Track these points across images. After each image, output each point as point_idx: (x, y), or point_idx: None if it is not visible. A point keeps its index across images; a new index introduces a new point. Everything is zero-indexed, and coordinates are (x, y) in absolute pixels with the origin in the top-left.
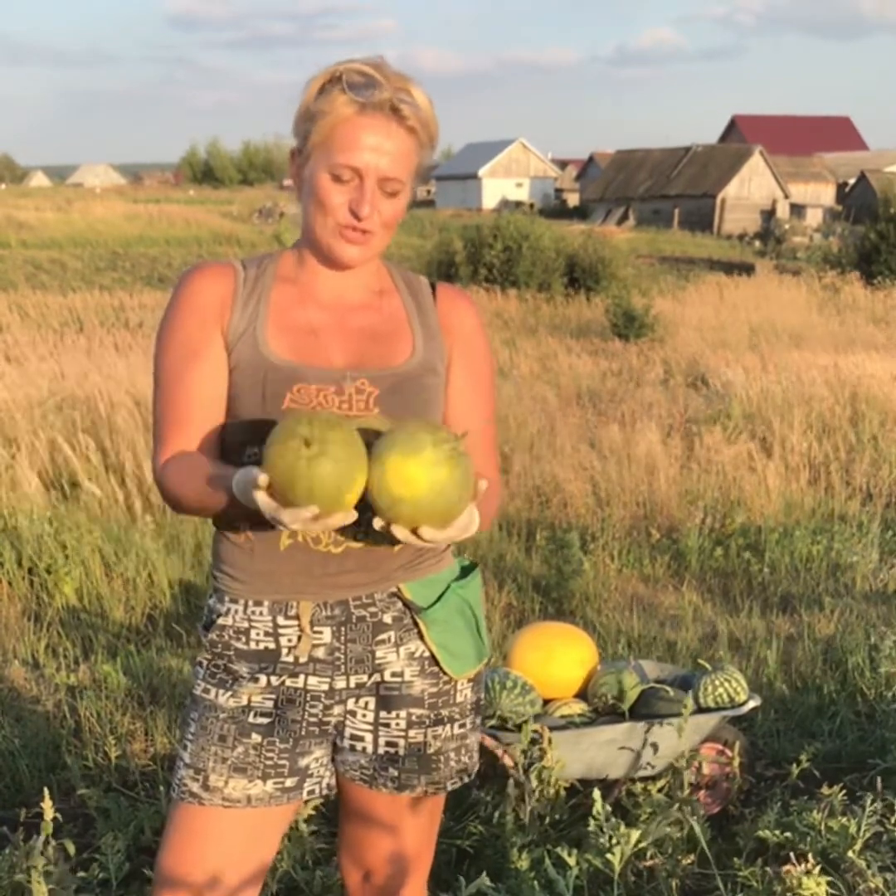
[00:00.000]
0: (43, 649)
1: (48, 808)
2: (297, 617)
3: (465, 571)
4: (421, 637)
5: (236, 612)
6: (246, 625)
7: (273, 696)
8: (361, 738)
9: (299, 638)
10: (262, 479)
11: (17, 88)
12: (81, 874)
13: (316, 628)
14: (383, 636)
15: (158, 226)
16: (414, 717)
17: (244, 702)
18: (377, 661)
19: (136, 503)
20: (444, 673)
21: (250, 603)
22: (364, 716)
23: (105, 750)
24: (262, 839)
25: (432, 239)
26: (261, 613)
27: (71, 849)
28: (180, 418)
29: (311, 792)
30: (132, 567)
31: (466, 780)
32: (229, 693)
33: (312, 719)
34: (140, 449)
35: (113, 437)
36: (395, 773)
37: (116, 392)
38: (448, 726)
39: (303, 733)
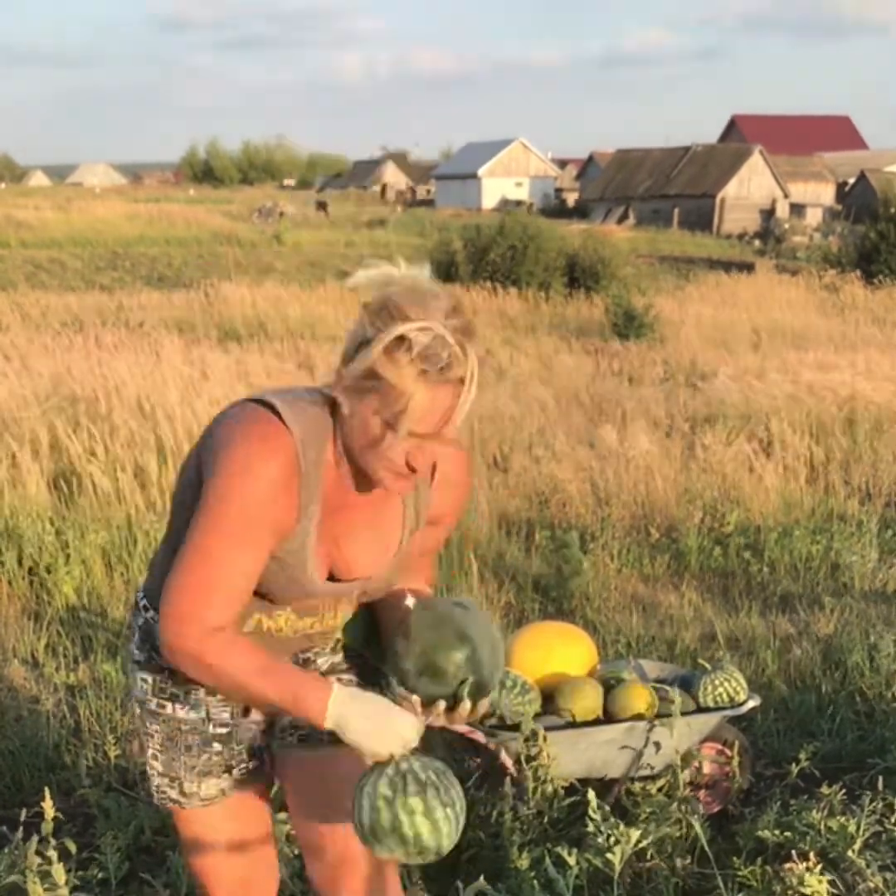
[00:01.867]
0: (43, 648)
1: (49, 807)
2: None
3: None
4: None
5: (193, 707)
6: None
7: (228, 707)
8: None
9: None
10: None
11: (17, 88)
12: (80, 873)
13: None
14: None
15: (158, 225)
16: (343, 679)
17: (203, 714)
18: (317, 664)
19: (137, 501)
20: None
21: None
22: None
23: (105, 749)
24: (256, 808)
25: (432, 238)
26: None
27: (72, 848)
28: (234, 592)
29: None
30: (135, 566)
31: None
32: (188, 706)
33: (267, 720)
34: (139, 448)
35: (113, 435)
36: None
37: (116, 391)
38: (382, 683)
39: (258, 739)
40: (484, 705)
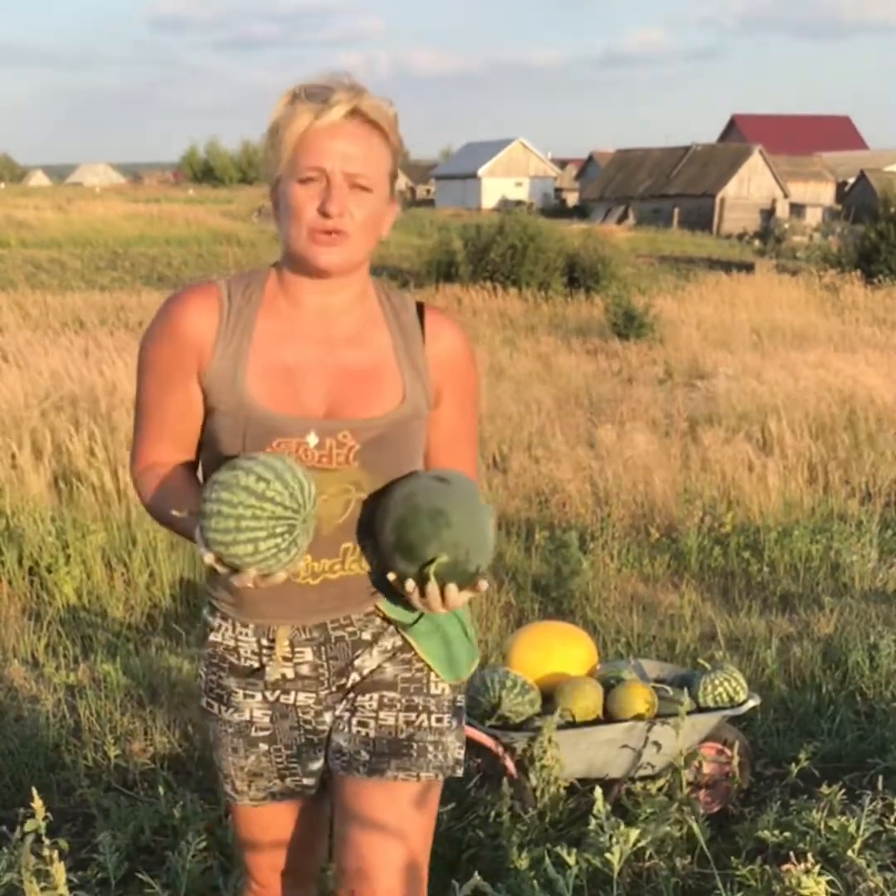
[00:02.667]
0: (43, 648)
1: (39, 807)
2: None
3: None
4: (400, 637)
5: (226, 629)
6: (234, 643)
7: (269, 712)
8: (341, 717)
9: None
10: (208, 558)
11: (17, 88)
12: (80, 873)
13: (297, 649)
14: (362, 651)
15: (158, 225)
16: (385, 700)
17: (247, 716)
18: (356, 666)
19: (137, 501)
20: (436, 675)
21: (238, 623)
22: (347, 707)
23: (104, 749)
24: (302, 816)
25: (432, 238)
26: (246, 635)
27: (64, 847)
28: (157, 436)
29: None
30: (135, 566)
31: (443, 775)
32: (232, 709)
33: (308, 727)
34: None
35: (113, 435)
36: (367, 757)
37: (116, 390)
38: (423, 716)
39: (302, 742)
40: (465, 592)
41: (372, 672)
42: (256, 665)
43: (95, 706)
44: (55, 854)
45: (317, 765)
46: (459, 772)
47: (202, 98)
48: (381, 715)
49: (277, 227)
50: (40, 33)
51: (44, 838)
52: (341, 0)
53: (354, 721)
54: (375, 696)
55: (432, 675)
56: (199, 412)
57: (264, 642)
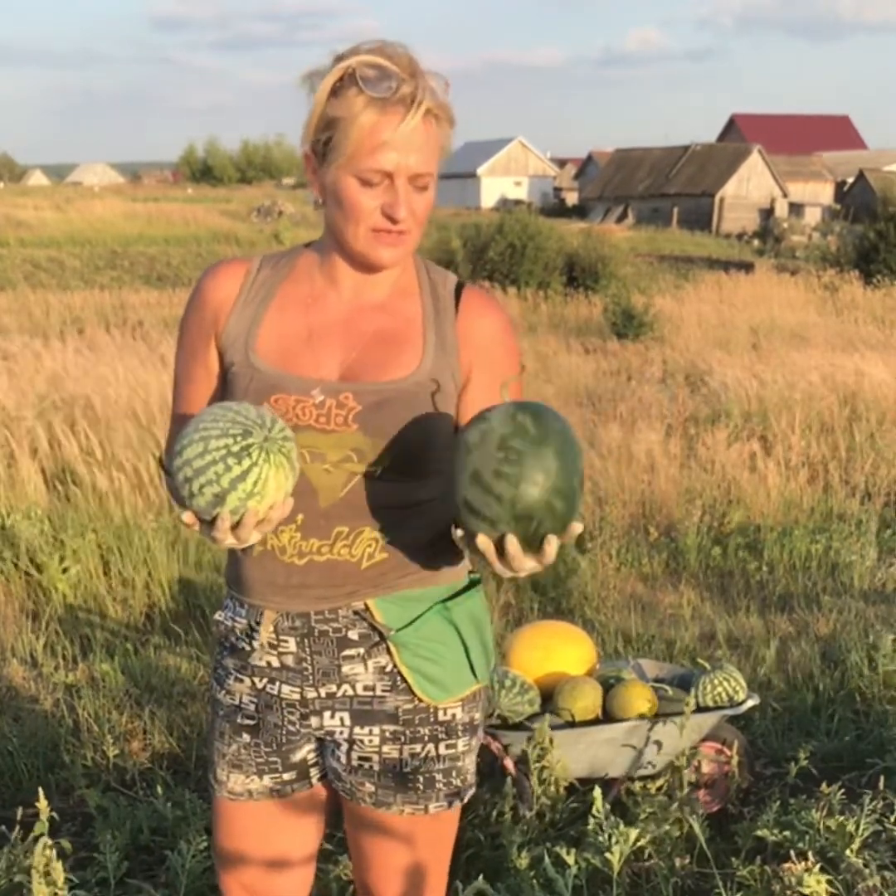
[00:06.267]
0: (41, 648)
1: (44, 807)
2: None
3: (465, 588)
4: (390, 653)
5: (229, 607)
6: (231, 623)
7: (256, 700)
8: (339, 745)
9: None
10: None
11: (16, 88)
12: (79, 873)
13: (281, 637)
14: (350, 652)
15: (157, 224)
16: (388, 734)
17: (236, 701)
18: (344, 674)
19: (135, 501)
20: (420, 698)
21: (237, 604)
22: (341, 732)
23: (103, 749)
24: (283, 829)
25: (431, 237)
26: (242, 615)
27: (67, 847)
28: (184, 405)
29: (322, 778)
30: (133, 566)
31: (458, 803)
32: (225, 691)
33: (292, 727)
34: (139, 447)
35: (111, 435)
36: (372, 789)
37: (115, 390)
38: (431, 746)
39: (283, 740)
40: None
41: (369, 694)
42: (248, 648)
43: (94, 706)
44: (53, 853)
45: (299, 756)
46: (472, 791)
47: (201, 98)
48: (384, 749)
49: (320, 205)
50: (40, 33)
51: (47, 838)
52: (341, 0)
53: (355, 755)
54: (376, 729)
55: (439, 702)
56: (216, 382)
57: (254, 624)
